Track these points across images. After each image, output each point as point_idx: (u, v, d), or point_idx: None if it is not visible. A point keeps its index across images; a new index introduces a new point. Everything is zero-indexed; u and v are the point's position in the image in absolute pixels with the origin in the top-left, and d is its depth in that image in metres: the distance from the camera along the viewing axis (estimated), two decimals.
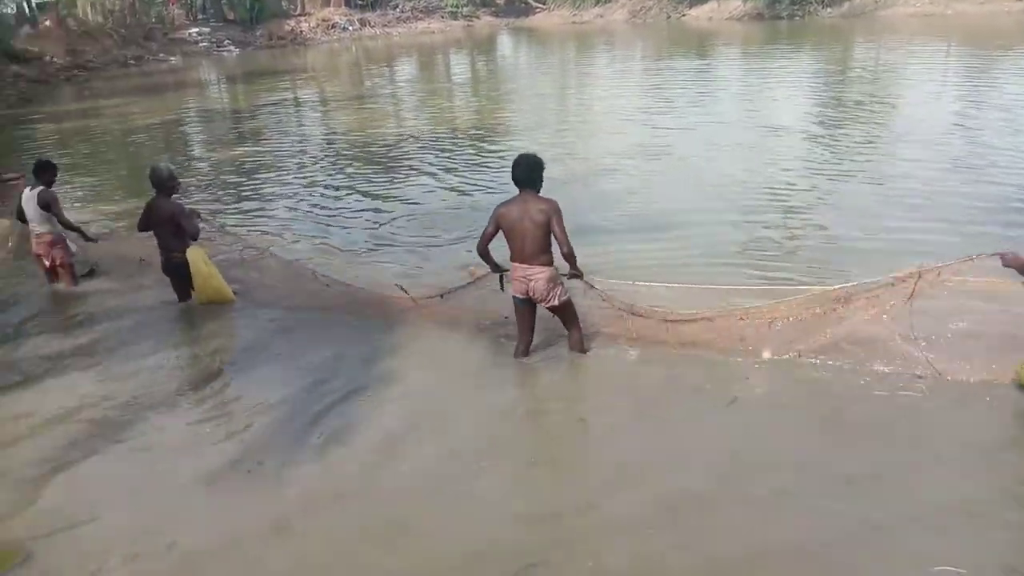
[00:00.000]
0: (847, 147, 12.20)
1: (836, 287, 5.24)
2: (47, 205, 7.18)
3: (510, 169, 5.27)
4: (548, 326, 5.72)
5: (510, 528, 3.96)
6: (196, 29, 44.53)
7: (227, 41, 43.35)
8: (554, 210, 5.05)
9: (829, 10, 42.49)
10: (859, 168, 10.77)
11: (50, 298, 7.49)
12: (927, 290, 4.90)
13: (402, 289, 6.29)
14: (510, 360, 5.57)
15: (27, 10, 38.58)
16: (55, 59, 32.92)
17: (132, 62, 36.50)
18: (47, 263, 7.44)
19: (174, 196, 6.80)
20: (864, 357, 5.15)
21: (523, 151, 5.38)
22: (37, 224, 7.30)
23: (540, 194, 5.20)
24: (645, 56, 30.51)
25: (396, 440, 4.76)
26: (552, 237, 5.12)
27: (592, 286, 5.54)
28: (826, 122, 14.63)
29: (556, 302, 5.27)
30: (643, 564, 3.66)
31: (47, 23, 37.16)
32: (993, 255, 4.66)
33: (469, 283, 6.02)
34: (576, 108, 19.23)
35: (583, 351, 5.50)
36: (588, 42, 38.07)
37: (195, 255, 6.71)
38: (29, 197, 7.23)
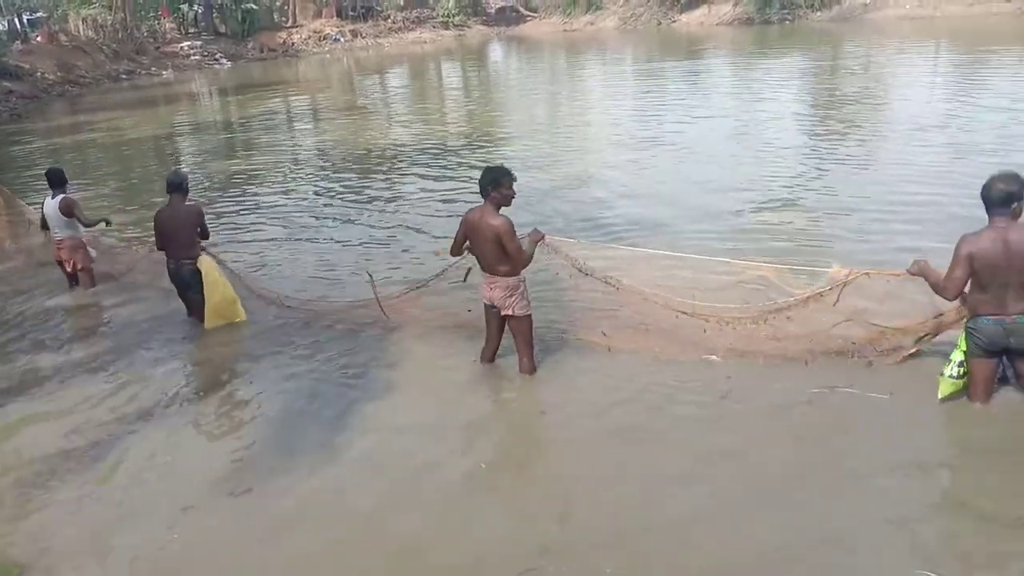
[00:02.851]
0: (836, 143, 12.42)
1: (769, 304, 5.31)
2: (70, 211, 7.52)
3: None
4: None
5: (501, 537, 3.96)
6: (188, 43, 44.61)
7: (219, 54, 43.44)
8: (504, 231, 5.06)
9: (819, 14, 42.72)
10: (848, 162, 11.01)
11: (68, 305, 7.70)
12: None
13: (375, 293, 6.37)
14: (479, 366, 5.66)
15: (19, 26, 38.65)
16: (47, 74, 32.97)
17: (124, 76, 36.58)
18: (69, 268, 7.75)
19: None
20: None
21: (501, 161, 5.42)
22: (60, 230, 7.65)
23: (506, 208, 5.22)
24: (636, 61, 30.65)
25: (377, 454, 4.77)
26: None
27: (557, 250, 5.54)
28: (815, 121, 14.80)
29: (511, 312, 5.30)
30: (632, 564, 3.67)
31: (39, 39, 37.26)
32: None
33: (435, 277, 6.11)
34: (567, 114, 19.30)
35: (532, 373, 5.47)
36: (579, 49, 38.22)
37: (207, 262, 6.59)
38: (51, 205, 7.58)
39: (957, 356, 4.58)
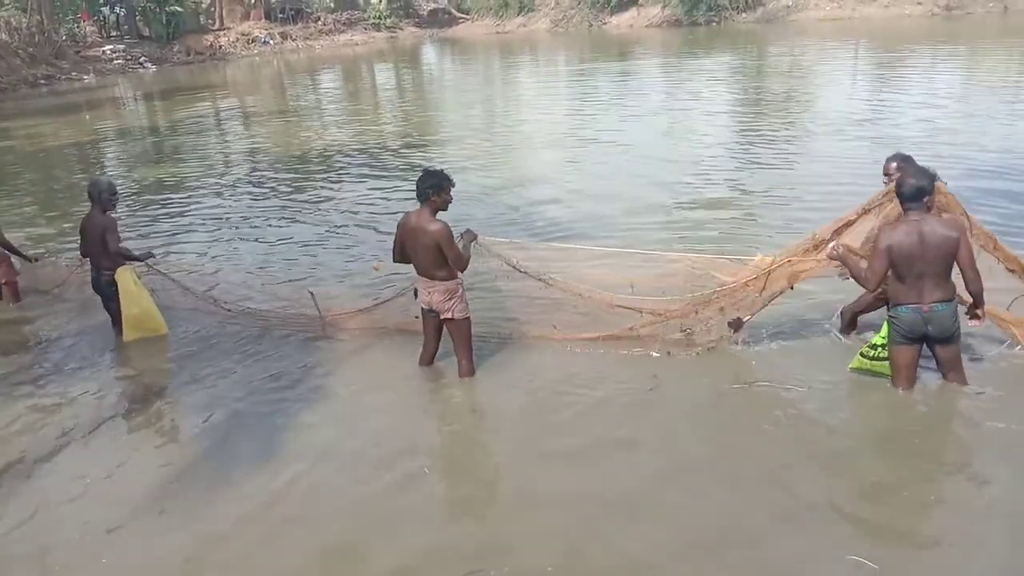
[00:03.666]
0: (767, 139, 12.86)
1: (695, 295, 5.48)
2: None
3: None
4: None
5: (445, 540, 3.97)
6: (110, 46, 43.12)
7: (143, 58, 42.17)
8: (443, 237, 5.05)
9: (744, 15, 43.86)
10: (778, 157, 11.46)
11: None
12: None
13: (316, 306, 6.33)
14: (416, 369, 5.66)
15: None
16: None
17: (43, 82, 35.17)
18: None
19: (110, 213, 6.46)
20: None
21: (438, 162, 5.41)
22: None
23: (443, 213, 5.19)
24: (569, 63, 30.94)
25: (315, 462, 4.70)
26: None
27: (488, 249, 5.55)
28: (747, 118, 15.23)
29: (451, 315, 5.31)
30: (570, 561, 3.72)
31: None
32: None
33: (385, 300, 6.12)
34: (503, 115, 19.40)
35: (471, 375, 5.49)
36: (512, 51, 38.39)
37: (124, 274, 6.40)
38: None
39: (877, 339, 4.86)
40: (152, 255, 7.04)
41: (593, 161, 12.52)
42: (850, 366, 5.03)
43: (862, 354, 4.98)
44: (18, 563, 4.04)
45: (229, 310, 6.78)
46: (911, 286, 4.52)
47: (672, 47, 33.36)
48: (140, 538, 4.11)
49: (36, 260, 7.69)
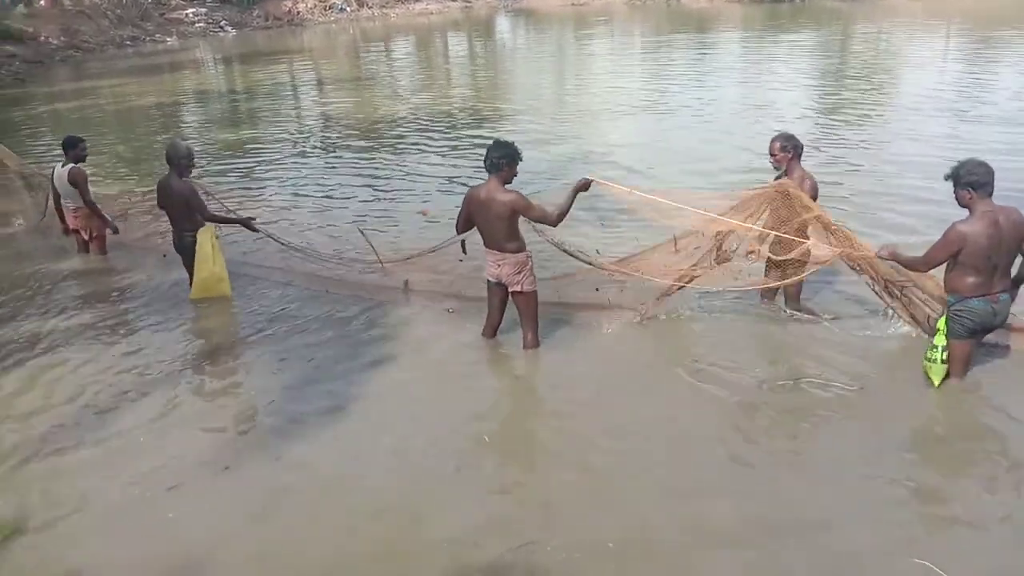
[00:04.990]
0: (842, 117, 12.55)
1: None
2: (75, 183, 7.48)
3: None
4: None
5: (502, 510, 3.99)
6: (193, 9, 44.03)
7: (224, 21, 42.93)
8: (519, 205, 5.05)
9: None
10: (856, 137, 11.17)
11: (78, 270, 7.76)
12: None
13: (373, 250, 6.56)
14: (479, 340, 5.70)
15: None
16: (50, 39, 32.65)
17: (128, 43, 36.20)
18: (85, 235, 7.82)
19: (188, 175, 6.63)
20: None
21: (504, 135, 5.38)
22: (73, 199, 7.65)
23: (509, 185, 5.16)
24: (644, 36, 30.36)
25: (378, 429, 4.77)
26: (527, 222, 5.21)
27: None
28: (823, 96, 14.73)
29: (519, 288, 5.29)
30: (631, 536, 3.71)
31: (42, 2, 36.85)
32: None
33: (434, 248, 6.22)
34: (574, 86, 19.16)
35: (535, 348, 5.49)
36: (587, 23, 37.83)
37: (204, 235, 6.55)
38: (60, 174, 7.55)
39: (941, 340, 4.63)
40: (252, 220, 7.14)
41: (670, 134, 12.41)
42: (936, 383, 4.69)
43: (932, 360, 4.66)
44: (84, 500, 4.22)
45: (298, 249, 7.05)
46: (985, 278, 4.41)
47: (754, 23, 32.39)
48: (205, 493, 4.23)
49: (117, 232, 7.90)
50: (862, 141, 11.31)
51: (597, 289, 6.02)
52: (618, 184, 5.61)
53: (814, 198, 5.19)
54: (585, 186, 5.32)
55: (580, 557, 3.59)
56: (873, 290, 5.28)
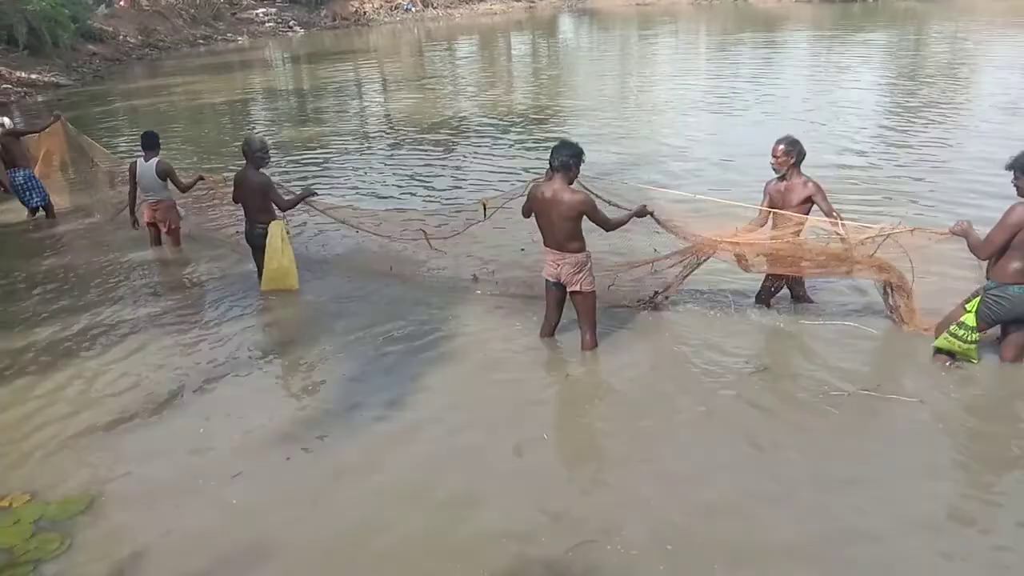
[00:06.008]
0: (913, 119, 12.18)
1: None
2: (165, 174, 7.76)
3: None
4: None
5: (561, 507, 3.98)
6: (263, 9, 45.11)
7: (292, 21, 43.86)
8: (586, 205, 5.03)
9: None
10: (928, 134, 10.96)
11: (152, 261, 8.04)
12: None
13: (423, 232, 6.77)
14: (537, 340, 5.71)
15: None
16: (128, 38, 33.81)
17: (201, 42, 37.27)
18: (163, 228, 8.04)
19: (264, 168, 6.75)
20: None
21: (568, 136, 5.40)
22: (155, 193, 7.89)
23: (574, 185, 5.15)
24: (710, 36, 29.94)
25: (438, 422, 4.81)
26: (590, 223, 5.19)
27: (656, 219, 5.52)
28: (894, 95, 14.36)
29: (578, 288, 5.25)
30: (689, 541, 3.66)
31: (122, 3, 38.19)
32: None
33: (479, 221, 6.39)
34: (638, 87, 18.99)
35: (593, 348, 5.46)
36: (652, 23, 37.47)
37: (276, 227, 6.69)
38: (147, 168, 7.79)
39: (969, 320, 4.70)
40: (314, 193, 7.26)
41: (743, 131, 12.39)
42: (936, 344, 4.86)
43: (953, 335, 4.75)
44: (158, 478, 4.34)
45: (356, 228, 7.33)
46: None
47: (824, 24, 31.62)
48: (267, 481, 4.32)
49: (203, 179, 8.17)
50: (943, 139, 11.18)
51: (656, 292, 5.99)
52: (677, 207, 5.91)
53: (822, 197, 5.38)
54: (642, 213, 5.40)
55: (637, 555, 3.57)
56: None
